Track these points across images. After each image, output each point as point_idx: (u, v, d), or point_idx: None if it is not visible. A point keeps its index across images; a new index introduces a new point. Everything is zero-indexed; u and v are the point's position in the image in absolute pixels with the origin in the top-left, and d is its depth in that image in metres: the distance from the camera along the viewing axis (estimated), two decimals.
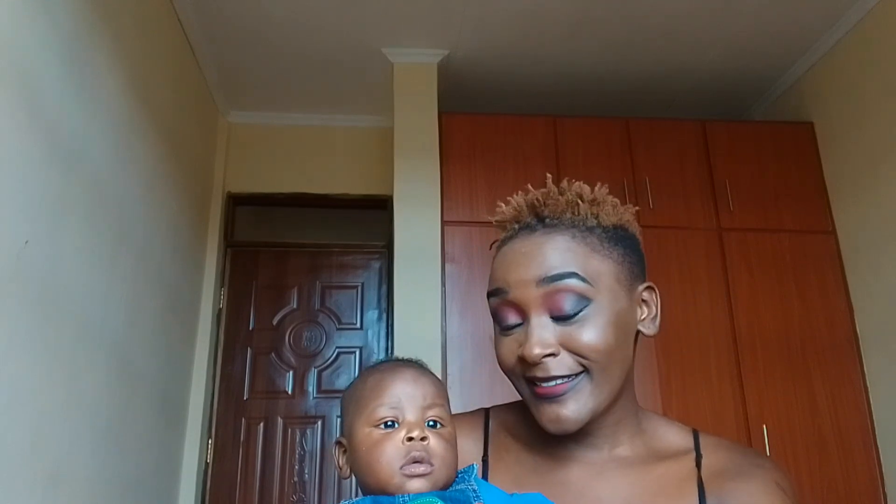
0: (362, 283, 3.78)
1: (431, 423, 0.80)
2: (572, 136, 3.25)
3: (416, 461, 0.77)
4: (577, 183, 0.86)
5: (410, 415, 0.79)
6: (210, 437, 3.43)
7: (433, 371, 0.88)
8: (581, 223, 0.82)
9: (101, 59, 2.15)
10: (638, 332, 0.84)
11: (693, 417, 2.84)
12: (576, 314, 0.78)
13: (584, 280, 0.78)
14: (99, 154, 2.15)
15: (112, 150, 2.26)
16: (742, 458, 0.81)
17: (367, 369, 0.88)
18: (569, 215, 0.83)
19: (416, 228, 3.09)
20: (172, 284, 2.97)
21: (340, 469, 0.84)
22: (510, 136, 3.23)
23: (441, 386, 0.85)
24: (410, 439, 0.77)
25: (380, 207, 3.77)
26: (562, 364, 0.77)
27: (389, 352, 3.46)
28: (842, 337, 3.03)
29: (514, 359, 0.81)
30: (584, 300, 0.78)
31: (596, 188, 0.86)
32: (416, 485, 0.76)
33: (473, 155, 3.19)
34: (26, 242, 1.70)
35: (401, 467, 0.76)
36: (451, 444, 0.81)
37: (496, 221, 0.89)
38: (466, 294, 2.98)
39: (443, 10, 3.03)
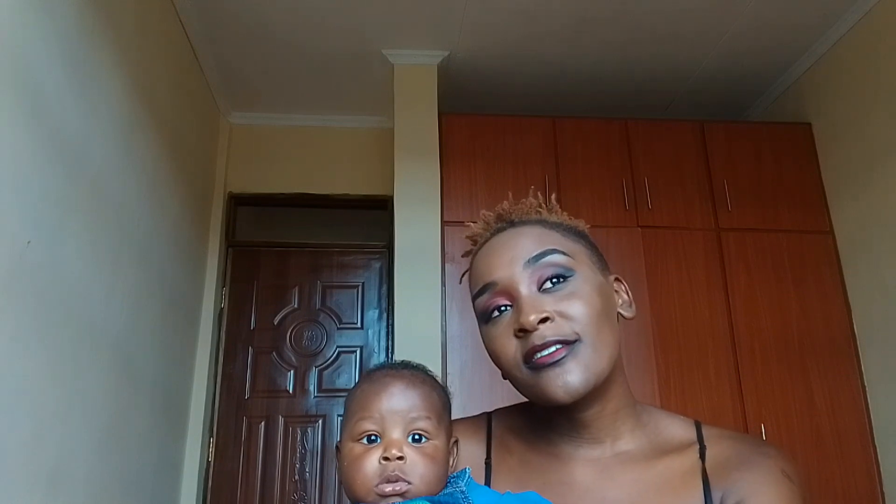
0: (363, 283, 3.80)
1: (416, 436, 0.80)
2: (571, 137, 3.26)
3: (389, 480, 0.77)
4: (531, 197, 0.94)
5: (392, 430, 0.79)
6: (211, 435, 3.44)
7: (433, 376, 0.87)
8: (547, 220, 0.90)
9: (102, 60, 2.17)
10: (619, 316, 0.88)
11: (691, 416, 2.85)
12: (562, 281, 0.82)
13: (564, 254, 0.83)
14: (101, 155, 2.16)
15: (114, 151, 2.27)
16: (747, 447, 0.81)
17: (361, 378, 0.88)
18: (534, 216, 0.91)
19: (417, 228, 3.11)
20: (174, 284, 2.99)
21: (339, 474, 0.85)
22: (510, 136, 3.24)
23: (433, 396, 0.84)
24: (386, 459, 0.77)
25: (380, 207, 3.79)
26: (557, 329, 0.78)
27: (390, 351, 3.48)
28: (839, 336, 3.04)
29: (512, 342, 0.81)
30: (569, 271, 0.82)
31: (552, 199, 0.95)
32: (392, 500, 0.77)
33: (473, 155, 3.21)
34: (28, 243, 1.71)
35: (376, 485, 0.77)
36: (434, 458, 0.80)
37: (468, 237, 0.94)
38: (466, 294, 2.98)
39: (443, 11, 3.05)
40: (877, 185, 2.93)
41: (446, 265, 3.03)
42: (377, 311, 3.75)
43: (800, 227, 3.20)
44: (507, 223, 0.90)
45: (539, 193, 0.95)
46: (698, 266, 3.10)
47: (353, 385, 0.90)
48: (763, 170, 3.28)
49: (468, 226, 0.95)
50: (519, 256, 0.83)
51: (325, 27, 3.15)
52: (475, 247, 0.92)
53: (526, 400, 0.87)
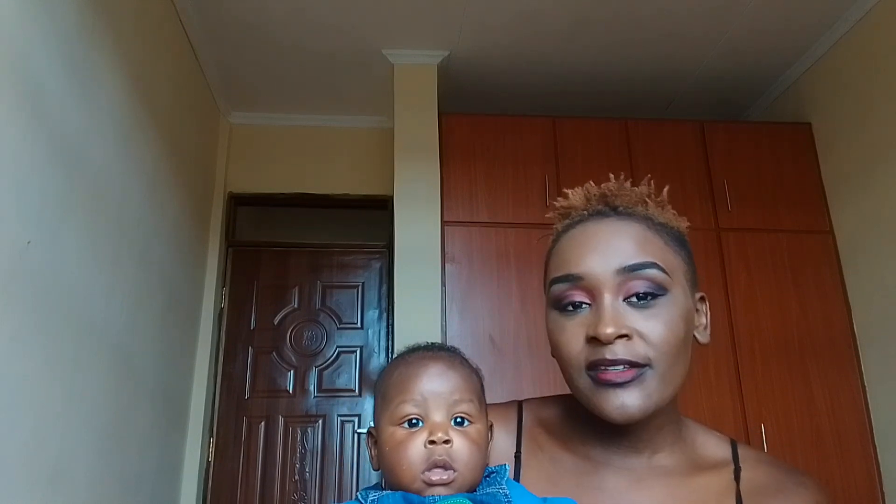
0: (363, 283, 3.80)
1: (458, 419, 0.77)
2: (571, 137, 3.26)
3: (437, 466, 0.74)
4: (643, 184, 0.85)
5: (435, 413, 0.76)
6: (211, 435, 3.44)
7: (468, 358, 0.84)
8: (653, 217, 0.81)
9: (102, 60, 2.17)
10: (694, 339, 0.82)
11: (692, 417, 2.85)
12: (652, 299, 0.75)
13: (663, 270, 0.76)
14: (100, 155, 2.16)
15: (114, 151, 2.27)
16: (784, 475, 0.79)
17: (395, 359, 0.83)
18: (640, 209, 0.81)
19: (417, 228, 3.11)
20: (174, 284, 2.99)
21: (372, 460, 0.81)
22: (510, 136, 3.24)
23: (472, 378, 0.81)
24: (433, 442, 0.74)
25: (380, 207, 3.79)
26: (632, 349, 0.73)
27: (390, 351, 3.48)
28: (839, 336, 3.04)
29: (580, 343, 0.76)
30: (662, 290, 0.76)
31: (664, 191, 0.85)
32: (436, 492, 0.73)
33: (473, 155, 3.21)
34: (28, 243, 1.71)
35: (422, 472, 0.74)
36: (478, 444, 0.77)
37: (562, 207, 0.86)
38: (466, 294, 3.00)
39: (443, 11, 3.05)
40: (877, 185, 2.93)
41: (446, 265, 3.03)
42: (377, 311, 3.75)
43: (800, 227, 3.20)
44: (610, 208, 0.81)
45: (653, 182, 0.84)
46: (698, 266, 3.04)
47: (382, 370, 0.85)
48: (763, 170, 3.28)
49: (565, 193, 0.86)
50: (615, 259, 0.76)
51: (324, 27, 3.15)
52: (567, 220, 0.84)
53: (558, 394, 0.83)
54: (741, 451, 0.83)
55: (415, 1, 2.99)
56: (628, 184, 0.84)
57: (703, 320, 0.83)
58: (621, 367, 0.73)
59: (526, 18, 3.09)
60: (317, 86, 3.63)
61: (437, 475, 0.73)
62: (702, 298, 0.84)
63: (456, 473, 0.74)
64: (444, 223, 3.10)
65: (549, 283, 0.81)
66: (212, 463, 3.41)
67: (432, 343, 0.85)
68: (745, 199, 3.22)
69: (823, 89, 3.31)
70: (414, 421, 0.76)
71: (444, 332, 2.94)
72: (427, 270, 3.04)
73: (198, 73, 3.32)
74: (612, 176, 0.85)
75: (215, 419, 3.47)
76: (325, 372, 3.63)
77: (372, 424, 0.83)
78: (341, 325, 3.72)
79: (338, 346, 3.68)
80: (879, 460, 2.88)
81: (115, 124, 2.28)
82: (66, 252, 1.93)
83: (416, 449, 0.74)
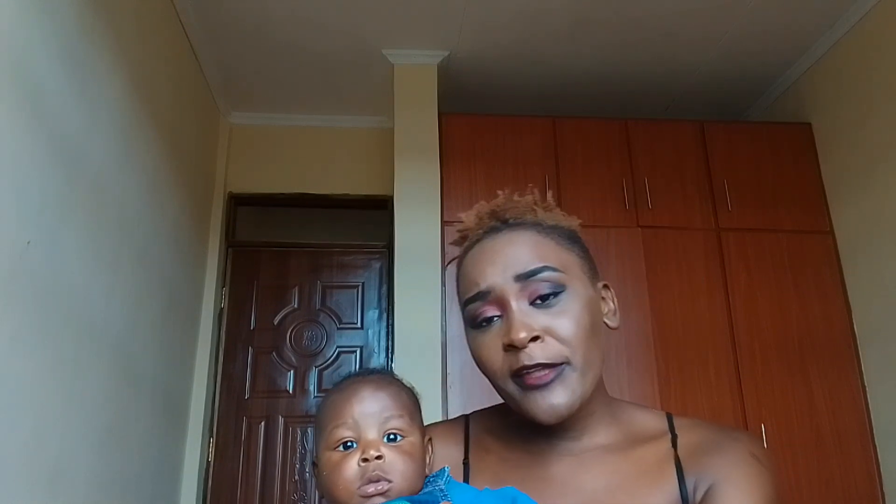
0: (363, 283, 3.80)
1: (391, 436, 0.80)
2: (571, 137, 3.26)
3: (372, 481, 0.77)
4: (528, 194, 0.93)
5: (367, 433, 0.80)
6: (211, 436, 3.44)
7: (399, 378, 0.88)
8: (542, 222, 0.88)
9: (102, 60, 2.17)
10: (604, 325, 0.88)
11: (692, 416, 2.84)
12: (554, 297, 0.81)
13: (557, 270, 0.82)
14: (100, 155, 2.16)
15: (113, 151, 2.27)
16: (716, 434, 0.84)
17: (329, 390, 0.88)
18: (529, 217, 0.89)
19: (417, 228, 3.11)
20: (174, 284, 2.99)
21: (318, 488, 0.85)
22: (510, 136, 3.24)
23: (402, 396, 0.85)
24: (366, 460, 0.78)
25: (380, 207, 3.79)
26: (547, 350, 0.79)
27: (390, 351, 3.48)
28: (839, 336, 3.04)
29: (500, 353, 0.82)
30: (560, 287, 0.82)
31: (548, 196, 0.93)
32: (375, 502, 0.77)
33: (473, 155, 3.21)
34: (28, 243, 1.71)
35: (358, 488, 0.77)
36: (412, 455, 0.81)
37: (458, 231, 0.93)
38: None
39: (443, 11, 3.05)
40: (877, 185, 2.93)
41: (446, 265, 3.03)
42: (377, 311, 3.75)
43: (800, 228, 3.20)
44: (501, 222, 0.89)
45: (536, 190, 0.94)
46: (698, 266, 3.10)
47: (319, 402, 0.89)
48: (763, 170, 3.28)
49: (459, 217, 0.95)
50: (511, 268, 0.83)
51: (324, 27, 3.15)
52: (466, 242, 0.91)
53: (502, 402, 0.88)
54: (676, 420, 0.87)
55: (415, 1, 2.99)
56: (516, 196, 0.92)
57: (611, 305, 0.90)
58: (541, 371, 0.79)
59: (526, 18, 3.09)
60: (317, 86, 3.63)
61: (371, 487, 0.77)
62: (605, 286, 0.90)
63: (391, 483, 0.78)
64: (444, 223, 3.09)
65: (463, 304, 0.87)
66: (212, 463, 3.41)
67: (365, 368, 0.90)
68: (745, 199, 3.22)
69: (823, 89, 3.31)
70: (348, 444, 0.80)
71: (444, 332, 2.94)
72: (427, 270, 3.04)
73: (198, 74, 3.32)
74: (499, 192, 0.93)
75: (215, 419, 3.47)
76: (325, 372, 3.63)
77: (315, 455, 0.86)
78: (341, 326, 3.72)
79: (338, 347, 3.68)
80: (879, 460, 2.88)
81: (114, 124, 2.28)
82: (66, 252, 1.93)
83: (350, 469, 0.78)
